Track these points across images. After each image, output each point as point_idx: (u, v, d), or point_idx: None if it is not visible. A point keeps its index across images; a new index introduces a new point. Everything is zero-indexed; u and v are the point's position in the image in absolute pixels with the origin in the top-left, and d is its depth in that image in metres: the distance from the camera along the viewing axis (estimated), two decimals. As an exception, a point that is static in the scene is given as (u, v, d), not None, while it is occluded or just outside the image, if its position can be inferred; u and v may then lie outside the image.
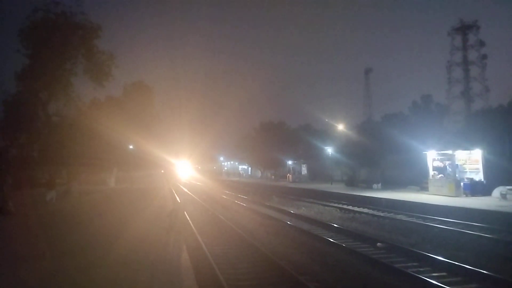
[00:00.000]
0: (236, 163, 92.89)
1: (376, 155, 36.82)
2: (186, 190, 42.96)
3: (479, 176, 23.40)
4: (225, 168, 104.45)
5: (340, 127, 43.45)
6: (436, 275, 8.82)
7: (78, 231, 13.26)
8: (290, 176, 51.21)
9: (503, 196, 20.38)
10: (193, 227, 15.49)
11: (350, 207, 22.44)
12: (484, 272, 8.56)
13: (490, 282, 8.21)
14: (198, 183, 61.46)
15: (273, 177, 62.05)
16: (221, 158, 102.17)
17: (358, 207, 22.40)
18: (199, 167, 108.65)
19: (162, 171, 77.84)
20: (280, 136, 57.91)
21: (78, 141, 26.28)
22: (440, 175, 24.53)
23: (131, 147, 42.16)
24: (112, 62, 26.20)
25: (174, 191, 36.21)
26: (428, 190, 25.04)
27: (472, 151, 24.05)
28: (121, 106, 35.85)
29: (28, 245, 10.89)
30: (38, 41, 24.03)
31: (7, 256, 9.57)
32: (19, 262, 8.87)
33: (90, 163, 29.99)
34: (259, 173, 74.85)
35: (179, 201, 25.31)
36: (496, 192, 21.30)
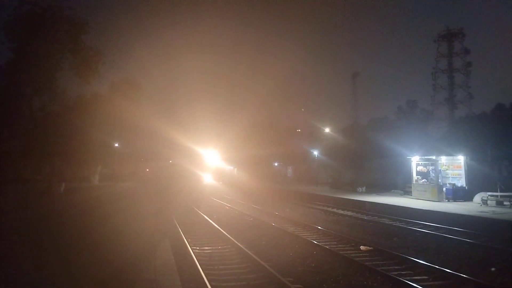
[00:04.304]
0: (223, 163, 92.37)
1: (361, 159, 37.17)
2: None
3: (461, 182, 23.76)
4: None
5: (327, 129, 43.71)
6: (418, 279, 8.96)
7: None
8: (276, 177, 51.34)
9: (484, 202, 20.72)
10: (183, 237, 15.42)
11: (334, 210, 22.61)
12: (464, 276, 8.72)
13: (470, 286, 8.37)
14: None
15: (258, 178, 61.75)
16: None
17: (343, 210, 22.57)
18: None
19: (147, 169, 72.58)
20: (265, 137, 57.80)
21: (62, 137, 25.87)
22: (423, 180, 24.85)
23: (116, 144, 41.69)
24: (99, 59, 25.79)
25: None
26: (411, 195, 25.34)
27: (454, 157, 24.43)
28: (107, 102, 35.41)
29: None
30: (24, 35, 23.57)
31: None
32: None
33: (74, 160, 29.56)
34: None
35: None
36: (477, 198, 21.63)
